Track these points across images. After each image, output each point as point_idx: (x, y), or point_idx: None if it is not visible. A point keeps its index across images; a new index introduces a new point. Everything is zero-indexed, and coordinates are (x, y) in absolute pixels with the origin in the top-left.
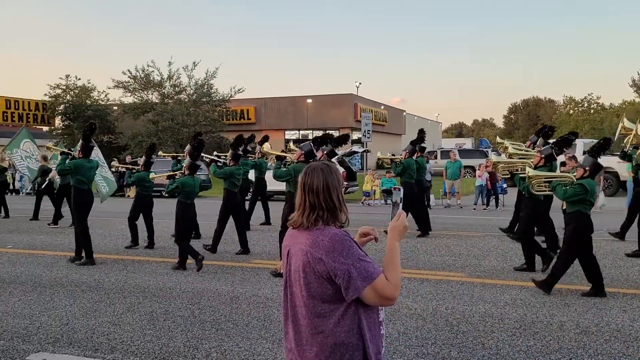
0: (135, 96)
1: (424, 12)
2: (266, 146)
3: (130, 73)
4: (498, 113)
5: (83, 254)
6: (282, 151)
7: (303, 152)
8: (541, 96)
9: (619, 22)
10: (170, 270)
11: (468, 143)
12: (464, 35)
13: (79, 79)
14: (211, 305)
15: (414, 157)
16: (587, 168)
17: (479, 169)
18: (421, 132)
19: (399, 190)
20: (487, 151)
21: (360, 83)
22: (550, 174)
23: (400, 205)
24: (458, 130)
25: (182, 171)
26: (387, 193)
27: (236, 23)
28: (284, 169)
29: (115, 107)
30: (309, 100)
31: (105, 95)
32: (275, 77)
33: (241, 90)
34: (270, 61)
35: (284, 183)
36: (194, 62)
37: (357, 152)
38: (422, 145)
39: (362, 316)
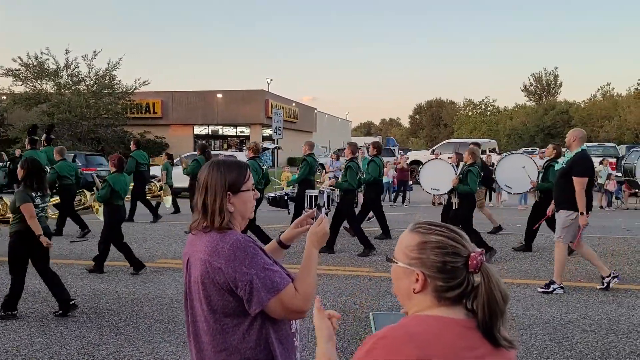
0: (28, 85)
1: (334, 10)
2: None
3: (22, 60)
4: (404, 113)
5: None
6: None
7: None
8: (443, 98)
9: (517, 31)
10: (64, 272)
11: None
12: (376, 35)
13: None
14: (110, 309)
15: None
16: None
17: (385, 167)
18: None
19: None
20: (394, 149)
21: (271, 79)
22: None
23: (324, 209)
24: (367, 129)
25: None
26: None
27: (145, 13)
28: None
29: (4, 97)
30: (219, 95)
31: None
32: (184, 72)
33: (146, 83)
34: (179, 55)
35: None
36: (95, 52)
37: (268, 149)
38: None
39: (271, 329)
